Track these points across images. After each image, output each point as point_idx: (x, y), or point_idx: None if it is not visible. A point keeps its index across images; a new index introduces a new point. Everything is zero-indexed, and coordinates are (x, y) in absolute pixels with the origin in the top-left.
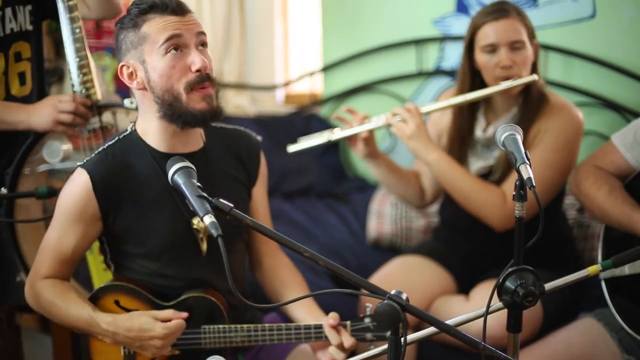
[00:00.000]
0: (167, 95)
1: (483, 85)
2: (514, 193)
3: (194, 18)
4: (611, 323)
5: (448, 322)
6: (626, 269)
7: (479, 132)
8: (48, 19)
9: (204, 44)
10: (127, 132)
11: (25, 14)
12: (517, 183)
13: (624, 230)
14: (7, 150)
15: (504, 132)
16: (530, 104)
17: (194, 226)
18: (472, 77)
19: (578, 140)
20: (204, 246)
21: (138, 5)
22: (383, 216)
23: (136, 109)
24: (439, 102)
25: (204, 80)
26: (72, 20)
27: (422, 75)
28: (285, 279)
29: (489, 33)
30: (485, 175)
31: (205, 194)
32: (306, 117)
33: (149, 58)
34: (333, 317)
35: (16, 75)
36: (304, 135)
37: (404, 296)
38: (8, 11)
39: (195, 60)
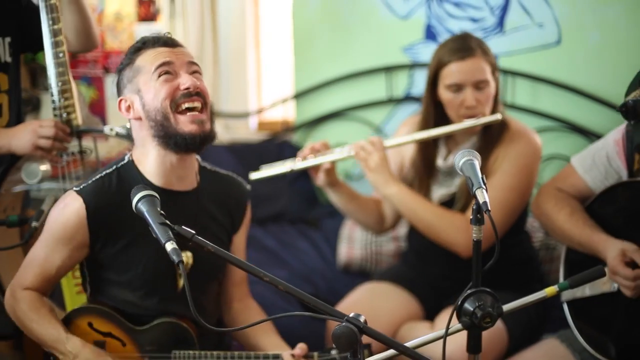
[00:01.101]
0: (159, 115)
1: (445, 118)
2: (471, 217)
3: (184, 50)
4: (574, 344)
5: (408, 343)
6: (587, 290)
7: (440, 161)
8: (27, 51)
9: (196, 72)
10: (125, 162)
11: (4, 46)
12: (474, 207)
13: (585, 251)
14: None
15: (462, 157)
16: (491, 133)
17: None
18: (435, 110)
19: (536, 163)
20: (181, 282)
21: (133, 46)
22: (353, 241)
23: (115, 135)
24: (402, 129)
25: (190, 95)
26: (56, 45)
27: (392, 101)
28: (252, 318)
29: (454, 73)
30: (448, 203)
31: (167, 222)
32: (279, 144)
33: (143, 87)
34: (300, 347)
35: None
36: (277, 161)
37: (362, 319)
38: None
39: (183, 80)
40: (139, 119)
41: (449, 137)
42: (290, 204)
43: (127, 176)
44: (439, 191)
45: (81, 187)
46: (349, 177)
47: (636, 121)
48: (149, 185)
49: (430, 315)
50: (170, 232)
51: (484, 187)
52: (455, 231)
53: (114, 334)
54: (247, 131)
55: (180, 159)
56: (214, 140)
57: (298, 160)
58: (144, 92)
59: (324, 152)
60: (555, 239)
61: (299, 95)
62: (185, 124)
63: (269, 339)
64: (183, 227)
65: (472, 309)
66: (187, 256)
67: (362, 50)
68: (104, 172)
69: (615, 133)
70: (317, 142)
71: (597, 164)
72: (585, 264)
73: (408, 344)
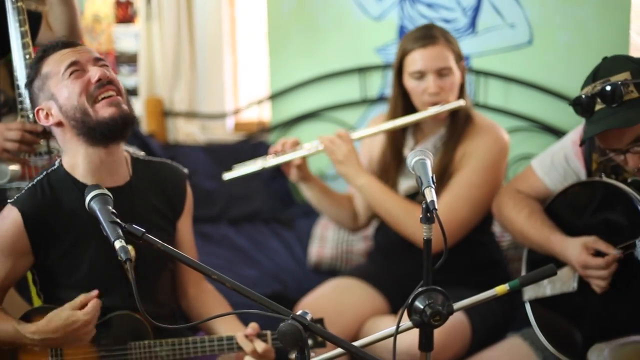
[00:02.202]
0: (78, 113)
1: (412, 108)
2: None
3: (87, 48)
4: (537, 342)
5: (358, 342)
6: (547, 290)
7: (407, 152)
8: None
9: (103, 65)
10: (55, 167)
11: None
12: (424, 206)
13: (543, 252)
14: None
15: (414, 157)
16: (457, 126)
17: (118, 257)
18: (402, 100)
19: (503, 160)
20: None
21: (35, 57)
22: (325, 240)
23: None
24: (372, 124)
25: (104, 85)
26: (24, 46)
27: (366, 102)
28: (210, 306)
29: (416, 60)
30: (415, 195)
31: (118, 220)
32: (254, 145)
33: (55, 90)
34: (252, 327)
35: None
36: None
37: (308, 316)
38: None
39: (93, 73)
40: (60, 124)
41: (417, 129)
42: (265, 203)
43: (58, 180)
44: (406, 183)
45: (15, 198)
46: (323, 177)
47: (588, 117)
48: (78, 185)
49: (396, 311)
50: (119, 230)
51: (432, 186)
52: (420, 226)
53: None
54: (224, 132)
55: (108, 153)
56: (135, 123)
57: (269, 158)
58: (57, 95)
59: (294, 148)
60: (515, 240)
61: (275, 96)
62: (103, 109)
63: (226, 324)
64: (134, 225)
65: (422, 307)
66: (129, 249)
67: (335, 51)
68: (35, 180)
69: (573, 134)
70: (289, 138)
71: (556, 165)
72: (546, 263)
73: (357, 342)
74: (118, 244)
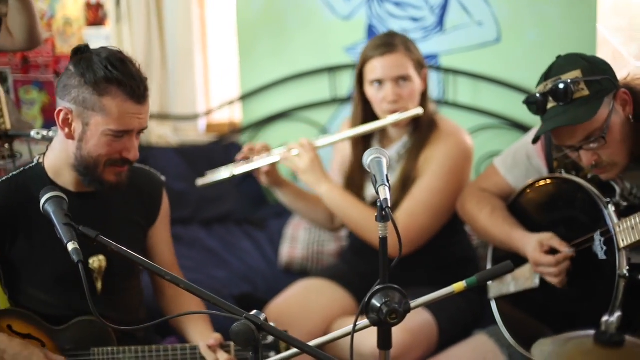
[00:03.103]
0: (90, 161)
1: (374, 115)
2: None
3: (148, 108)
4: (502, 339)
5: (315, 341)
6: (511, 287)
7: None
8: None
9: (142, 133)
10: (33, 164)
11: None
12: (378, 205)
13: (505, 248)
14: None
15: (370, 155)
16: (420, 132)
17: (89, 265)
18: (363, 107)
19: (466, 164)
20: (99, 285)
21: (107, 70)
22: (296, 241)
23: (42, 139)
24: (343, 128)
25: (125, 163)
26: None
27: (337, 101)
28: (184, 304)
29: (375, 68)
30: None
31: (72, 223)
32: (226, 146)
33: (94, 127)
34: (214, 338)
35: None
36: (224, 163)
37: (262, 316)
38: None
39: (131, 149)
40: (70, 138)
41: (382, 137)
42: (237, 205)
43: (34, 178)
44: (371, 190)
45: None
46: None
47: (541, 115)
48: (55, 187)
49: None
50: (74, 233)
51: (387, 184)
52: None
53: (33, 334)
54: (196, 133)
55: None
56: (123, 186)
57: (238, 165)
58: (90, 131)
59: (261, 153)
60: (479, 237)
61: (245, 97)
62: (109, 175)
63: (196, 327)
64: (87, 227)
65: (379, 305)
66: (99, 259)
67: (305, 51)
68: (11, 175)
69: (534, 131)
70: (257, 143)
71: (519, 163)
72: (510, 259)
73: (314, 342)
74: (71, 246)
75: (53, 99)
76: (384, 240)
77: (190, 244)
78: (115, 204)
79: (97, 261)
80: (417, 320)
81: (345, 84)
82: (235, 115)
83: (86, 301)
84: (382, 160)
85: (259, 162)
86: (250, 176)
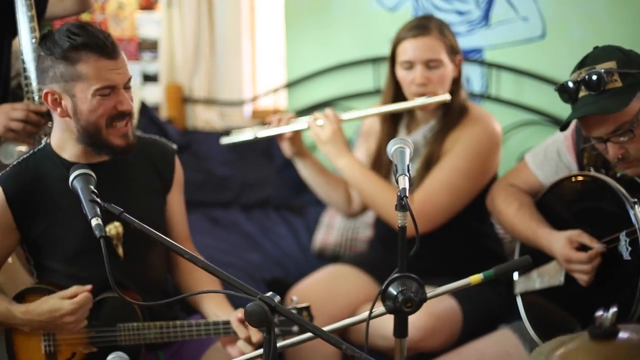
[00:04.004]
0: (91, 127)
1: (404, 97)
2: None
3: (124, 61)
4: (526, 335)
5: (330, 326)
6: (537, 284)
7: None
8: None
9: (130, 86)
10: (42, 146)
11: None
12: (399, 195)
13: (531, 245)
14: None
15: (394, 144)
16: (449, 118)
17: (107, 234)
18: (393, 89)
19: (492, 150)
20: (120, 251)
21: (71, 38)
22: (332, 228)
23: None
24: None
25: (124, 116)
26: (32, 30)
27: (379, 92)
28: (200, 280)
29: (406, 50)
30: None
31: (97, 199)
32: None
33: (80, 94)
34: (242, 312)
35: None
36: (267, 148)
37: (276, 298)
38: None
39: (123, 101)
40: (66, 116)
41: (410, 119)
42: (277, 190)
43: (44, 158)
44: None
45: None
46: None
47: (572, 103)
48: (64, 164)
49: None
50: (97, 209)
51: (407, 174)
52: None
53: None
54: (242, 119)
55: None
56: (134, 148)
57: (263, 127)
58: (79, 100)
59: (288, 122)
60: (507, 233)
61: (291, 85)
62: (114, 137)
63: (212, 302)
64: (112, 205)
65: (395, 293)
66: (115, 226)
67: (350, 41)
68: (21, 158)
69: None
70: (285, 114)
71: (549, 159)
72: (537, 255)
73: (329, 327)
74: (94, 222)
75: None
76: (403, 229)
77: (228, 227)
78: (130, 172)
79: (113, 228)
80: (441, 306)
81: None
82: (280, 102)
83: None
84: (406, 151)
85: (284, 128)
86: (291, 163)
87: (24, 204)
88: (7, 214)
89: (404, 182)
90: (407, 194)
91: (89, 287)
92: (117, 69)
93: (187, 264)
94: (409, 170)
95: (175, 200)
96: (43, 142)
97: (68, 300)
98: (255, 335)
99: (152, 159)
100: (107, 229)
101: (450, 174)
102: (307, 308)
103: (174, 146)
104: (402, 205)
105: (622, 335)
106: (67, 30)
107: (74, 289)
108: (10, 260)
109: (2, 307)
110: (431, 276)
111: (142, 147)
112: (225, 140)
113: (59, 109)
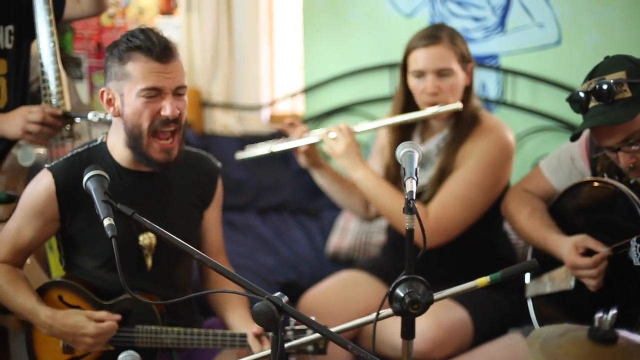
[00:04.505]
0: (135, 131)
1: (416, 106)
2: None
3: (177, 67)
4: None
5: (337, 327)
6: (547, 288)
7: None
8: (34, 38)
9: (181, 94)
10: (97, 143)
11: (4, 34)
12: (406, 197)
13: (541, 249)
14: None
15: (403, 148)
16: (461, 127)
17: (139, 242)
18: (405, 98)
19: (506, 160)
20: (149, 261)
21: (128, 41)
22: (346, 232)
23: (99, 121)
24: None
25: (168, 124)
26: (51, 34)
27: None
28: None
29: (418, 59)
30: (419, 195)
31: (110, 200)
32: (287, 137)
33: (127, 94)
34: (259, 327)
35: None
36: (283, 154)
37: (284, 299)
38: None
39: (166, 106)
40: (117, 115)
41: (423, 129)
42: (293, 194)
43: (97, 155)
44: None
45: (53, 164)
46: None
47: (583, 113)
48: (116, 166)
49: None
50: (111, 210)
51: (415, 178)
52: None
53: (82, 307)
54: (259, 123)
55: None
56: (176, 165)
57: (278, 142)
58: (126, 100)
59: (302, 135)
60: (519, 238)
61: (308, 90)
62: (155, 151)
63: (235, 312)
64: (124, 205)
65: (402, 295)
66: (149, 237)
67: (367, 47)
68: (75, 151)
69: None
70: (296, 118)
71: (562, 165)
72: (549, 259)
73: (337, 328)
74: (107, 222)
75: None
76: (410, 232)
77: (244, 231)
78: (173, 184)
79: (147, 238)
80: (451, 318)
81: None
82: (298, 107)
83: (138, 278)
84: (415, 155)
85: (298, 142)
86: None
87: (71, 198)
88: (54, 204)
89: (411, 185)
90: (414, 197)
91: (117, 316)
92: (166, 73)
93: (216, 277)
94: (416, 174)
95: (213, 217)
96: (99, 139)
97: (94, 323)
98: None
99: (196, 174)
100: (141, 238)
101: (464, 187)
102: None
103: (219, 164)
104: (410, 208)
105: (620, 341)
106: (129, 33)
107: (103, 314)
108: (28, 261)
109: (30, 304)
110: (444, 283)
111: (188, 161)
112: (240, 156)
113: (111, 108)
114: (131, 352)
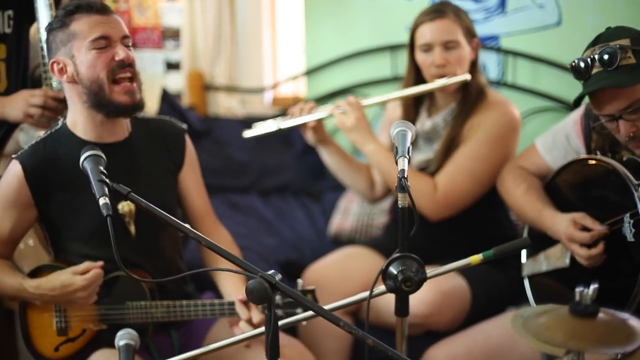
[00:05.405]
0: (94, 85)
1: (424, 81)
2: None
3: (119, 20)
4: None
5: (330, 305)
6: (543, 266)
7: (418, 126)
8: (33, 22)
9: (128, 45)
10: (58, 126)
11: (3, 18)
12: (398, 176)
13: (536, 226)
14: None
15: (396, 127)
16: (468, 100)
17: (119, 211)
18: (414, 73)
19: (512, 135)
20: (132, 229)
21: (65, 7)
22: (348, 213)
23: None
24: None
25: (124, 66)
26: (51, 17)
27: (397, 79)
28: (223, 261)
29: (424, 33)
30: (425, 169)
31: (106, 180)
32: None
33: (77, 53)
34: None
35: None
36: (286, 136)
37: (277, 276)
38: None
39: (119, 52)
40: (72, 82)
41: (431, 103)
42: (296, 176)
43: (60, 137)
44: (418, 156)
45: (19, 153)
46: (356, 152)
47: (585, 80)
48: (80, 143)
49: None
50: (105, 188)
51: (407, 156)
52: (420, 195)
53: None
54: (262, 106)
55: (109, 119)
56: (142, 109)
57: (286, 118)
58: (78, 59)
59: (310, 112)
60: (513, 213)
61: (310, 72)
62: (118, 94)
63: (228, 282)
64: (120, 185)
65: (395, 273)
66: (128, 204)
67: (368, 29)
68: (39, 138)
69: (575, 113)
70: (307, 103)
71: (557, 143)
72: (545, 238)
73: (329, 306)
74: (102, 201)
75: None
76: (403, 210)
77: (246, 212)
78: (140, 153)
79: (125, 205)
80: (450, 284)
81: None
82: (300, 89)
83: (124, 249)
84: (407, 134)
85: (307, 117)
86: (310, 149)
87: (41, 181)
88: (25, 190)
89: (403, 164)
90: (406, 175)
91: (100, 263)
92: (110, 23)
93: (209, 238)
94: (409, 152)
95: (189, 179)
96: (60, 123)
97: (80, 276)
98: (256, 316)
99: (162, 139)
100: (120, 206)
101: (471, 160)
102: (312, 291)
103: (184, 126)
104: (402, 186)
105: (601, 315)
106: (64, 6)
107: (85, 264)
108: (31, 242)
109: (15, 282)
110: (443, 259)
111: (152, 128)
112: (248, 134)
113: (65, 76)
114: (129, 330)
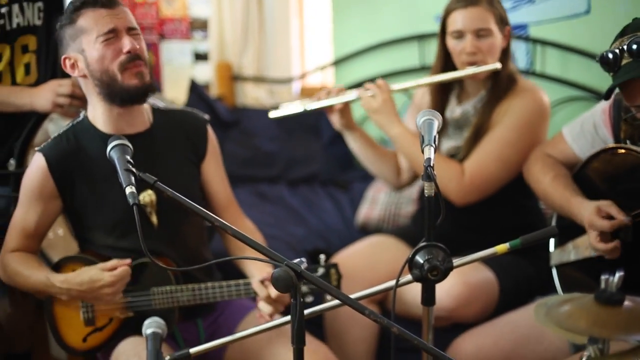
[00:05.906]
0: (105, 77)
1: (454, 68)
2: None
3: (125, 11)
4: None
5: (357, 294)
6: (572, 255)
7: (448, 113)
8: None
9: (135, 34)
10: (80, 119)
11: (33, 10)
12: (424, 165)
13: (564, 214)
14: (18, 127)
15: (423, 116)
16: (498, 88)
17: (140, 201)
18: (444, 60)
19: (541, 121)
20: (154, 219)
21: (72, 3)
22: (376, 203)
23: None
24: (418, 90)
25: (134, 59)
26: None
27: (425, 69)
28: (244, 246)
29: (456, 20)
30: (454, 156)
31: (133, 169)
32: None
33: (87, 47)
34: (267, 272)
35: (22, 65)
36: (314, 125)
37: (303, 265)
38: (15, 7)
39: (125, 43)
40: (84, 76)
41: (461, 90)
42: (324, 166)
43: (82, 129)
44: (447, 143)
45: (42, 146)
46: (383, 142)
47: (615, 72)
48: (101, 135)
49: None
50: (132, 178)
51: (433, 145)
52: (448, 180)
53: None
54: (290, 96)
55: (125, 109)
56: (155, 92)
57: (312, 100)
58: (88, 53)
59: (337, 95)
60: (541, 202)
61: (338, 62)
62: (129, 78)
63: (254, 265)
64: (147, 174)
65: (421, 262)
66: (149, 194)
67: (395, 19)
68: (62, 130)
69: (604, 103)
70: (334, 87)
71: (585, 132)
72: (573, 227)
73: (355, 295)
74: (128, 190)
75: (157, 60)
76: (429, 199)
77: (274, 202)
78: (161, 144)
79: (147, 196)
80: (477, 276)
81: (434, 51)
82: (328, 79)
83: (149, 240)
84: (434, 123)
85: (334, 100)
86: (339, 139)
87: (65, 173)
88: (49, 181)
89: (429, 152)
90: (432, 164)
91: (128, 261)
92: (116, 15)
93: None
94: (435, 141)
95: (212, 169)
96: (81, 115)
97: (108, 273)
98: (274, 291)
99: (184, 130)
100: (141, 197)
101: (500, 145)
102: (335, 265)
103: (206, 116)
104: (428, 175)
105: (627, 303)
106: (71, 1)
107: (114, 262)
108: (61, 232)
109: (42, 276)
110: (471, 249)
111: (174, 119)
112: (274, 114)
113: (76, 71)
114: (156, 318)
